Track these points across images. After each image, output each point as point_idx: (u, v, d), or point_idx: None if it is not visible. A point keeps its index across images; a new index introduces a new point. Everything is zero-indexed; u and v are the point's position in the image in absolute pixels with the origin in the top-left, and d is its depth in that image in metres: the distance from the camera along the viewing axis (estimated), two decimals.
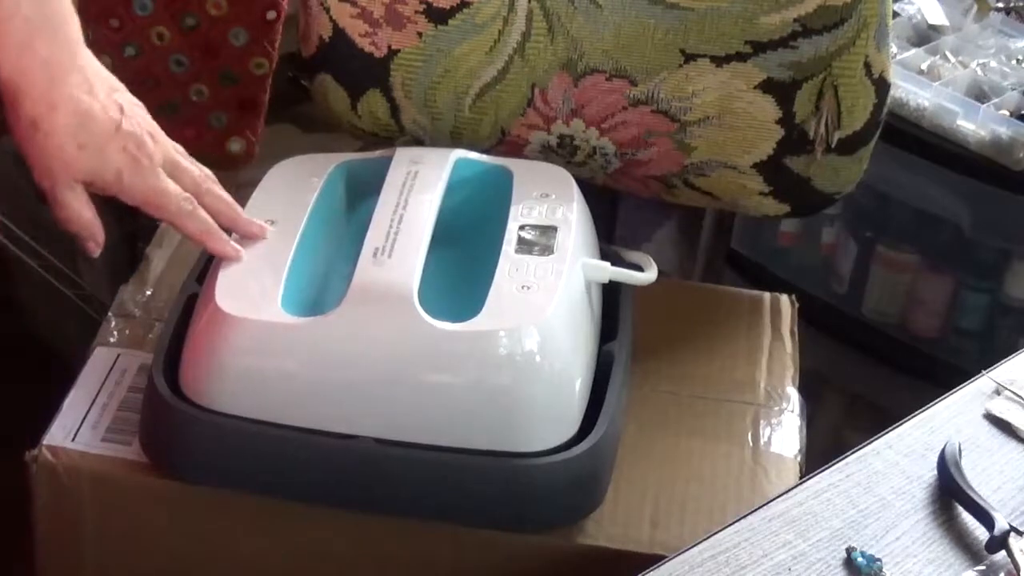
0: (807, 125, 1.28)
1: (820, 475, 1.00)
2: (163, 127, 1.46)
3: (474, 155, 1.24)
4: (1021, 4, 1.87)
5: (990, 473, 1.01)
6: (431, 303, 1.05)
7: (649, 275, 1.19)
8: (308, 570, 1.13)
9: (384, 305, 1.04)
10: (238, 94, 1.44)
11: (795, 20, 1.24)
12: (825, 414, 1.86)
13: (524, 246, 1.12)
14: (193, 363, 1.08)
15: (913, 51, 1.77)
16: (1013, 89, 1.71)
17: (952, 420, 1.05)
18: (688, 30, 1.25)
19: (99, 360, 1.20)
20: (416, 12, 1.29)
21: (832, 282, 1.88)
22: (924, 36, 1.82)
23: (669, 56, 1.26)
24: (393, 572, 1.12)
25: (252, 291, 1.09)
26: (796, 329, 1.32)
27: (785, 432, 1.20)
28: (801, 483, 1.00)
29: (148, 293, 1.28)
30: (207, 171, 1.13)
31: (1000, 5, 1.86)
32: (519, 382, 1.04)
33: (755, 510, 0.97)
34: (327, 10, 1.32)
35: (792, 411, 1.22)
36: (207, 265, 1.18)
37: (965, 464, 1.00)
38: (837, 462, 1.01)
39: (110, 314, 1.26)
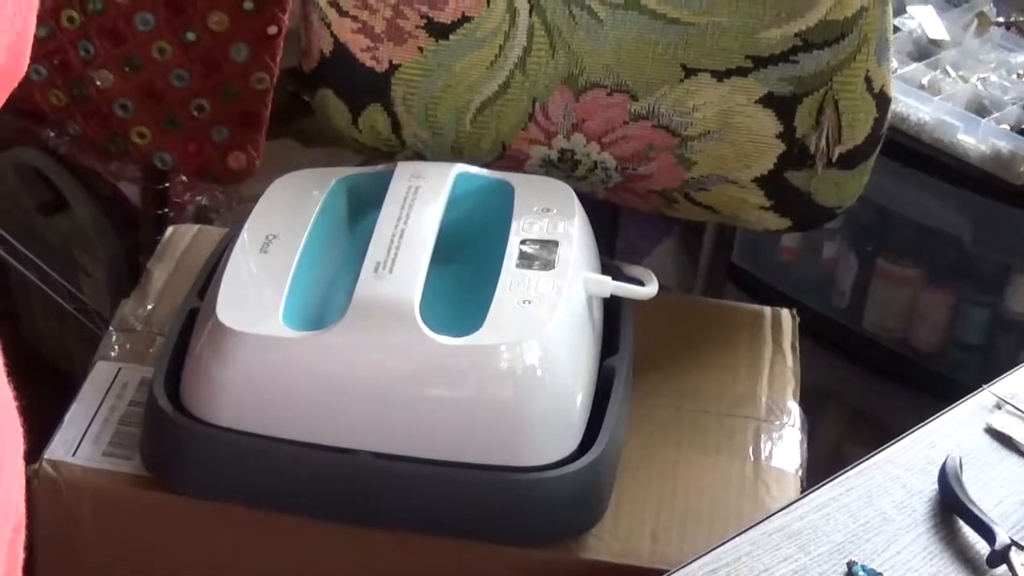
0: (808, 139, 1.28)
1: (821, 489, 1.00)
2: (165, 142, 1.47)
3: (475, 169, 1.24)
4: (1022, 19, 1.87)
5: (991, 487, 1.00)
6: (432, 317, 1.05)
7: (650, 289, 1.19)
8: None
9: (385, 319, 1.04)
10: (239, 109, 1.44)
11: (796, 35, 1.24)
12: (826, 428, 1.86)
13: (525, 260, 1.12)
14: (194, 377, 1.08)
15: (914, 66, 1.78)
16: (1013, 103, 1.71)
17: (953, 434, 1.05)
18: (689, 45, 1.25)
19: (100, 374, 1.20)
20: (417, 27, 1.29)
21: (833, 296, 1.88)
22: (925, 51, 1.82)
23: (670, 71, 1.27)
24: None
25: (253, 305, 1.09)
26: (797, 343, 1.32)
27: (786, 446, 1.20)
28: (802, 497, 1.00)
29: (149, 307, 1.28)
30: None
31: (1000, 20, 1.86)
32: (520, 396, 1.04)
33: (756, 524, 0.97)
34: (328, 25, 1.32)
35: (793, 425, 1.22)
36: (208, 279, 1.18)
37: (966, 478, 1.00)
38: (838, 476, 1.01)
39: (111, 328, 1.26)
